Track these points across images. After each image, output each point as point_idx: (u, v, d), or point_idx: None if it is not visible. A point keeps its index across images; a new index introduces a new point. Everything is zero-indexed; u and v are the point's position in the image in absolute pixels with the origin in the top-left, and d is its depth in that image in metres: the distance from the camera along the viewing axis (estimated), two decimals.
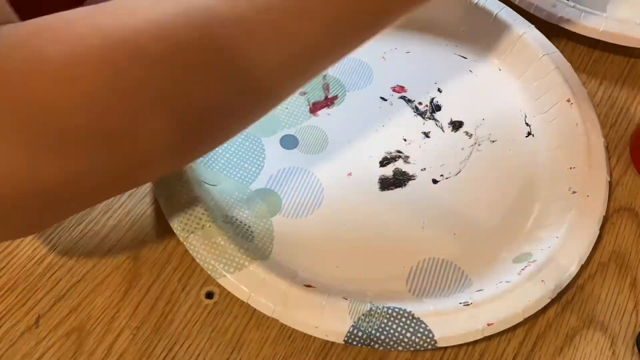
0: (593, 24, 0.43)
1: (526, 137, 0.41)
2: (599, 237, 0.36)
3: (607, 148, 0.39)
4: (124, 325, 0.32)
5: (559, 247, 0.34)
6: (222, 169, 0.37)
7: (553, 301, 0.33)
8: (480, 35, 0.44)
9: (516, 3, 0.45)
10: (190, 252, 0.32)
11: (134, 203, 0.36)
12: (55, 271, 0.34)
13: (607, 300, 0.35)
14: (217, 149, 0.38)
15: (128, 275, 0.34)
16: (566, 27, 0.44)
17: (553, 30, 0.45)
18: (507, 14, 0.43)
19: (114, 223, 0.35)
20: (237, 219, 0.35)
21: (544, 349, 0.33)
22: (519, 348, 0.33)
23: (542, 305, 0.32)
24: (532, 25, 0.43)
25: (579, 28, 0.43)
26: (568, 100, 0.40)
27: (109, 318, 0.32)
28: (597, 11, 0.44)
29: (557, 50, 0.42)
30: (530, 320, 0.34)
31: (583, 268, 0.35)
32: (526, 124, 0.41)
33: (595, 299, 0.35)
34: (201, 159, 0.37)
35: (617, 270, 0.36)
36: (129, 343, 0.32)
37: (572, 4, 0.44)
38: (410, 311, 0.31)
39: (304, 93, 0.41)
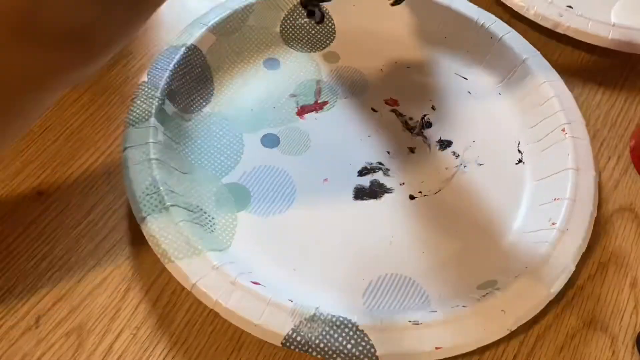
0: (601, 33, 0.43)
1: (516, 164, 0.39)
2: (599, 237, 0.36)
3: (598, 183, 0.37)
4: (124, 325, 0.32)
5: (526, 280, 0.32)
6: (197, 159, 0.37)
7: (553, 301, 0.32)
8: (483, 57, 0.43)
9: (522, 13, 0.44)
10: (144, 234, 0.32)
11: None
12: (55, 271, 0.34)
13: (607, 300, 0.34)
14: (196, 139, 0.38)
15: (128, 275, 0.34)
16: (574, 37, 0.43)
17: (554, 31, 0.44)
18: (512, 38, 0.42)
19: (113, 223, 0.35)
20: (201, 209, 0.35)
21: (544, 349, 0.33)
22: (519, 348, 0.32)
23: (497, 337, 0.30)
24: (538, 52, 0.42)
25: (587, 37, 0.43)
26: (563, 130, 0.38)
27: (109, 318, 0.32)
28: (604, 19, 0.44)
29: (561, 79, 0.40)
30: (530, 320, 0.32)
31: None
32: (518, 151, 0.39)
33: (595, 299, 0.34)
34: (176, 147, 0.37)
35: (617, 270, 0.36)
36: (129, 343, 0.32)
37: (579, 12, 0.43)
38: (355, 322, 0.30)
39: (294, 95, 0.41)
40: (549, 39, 0.45)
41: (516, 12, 0.45)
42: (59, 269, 0.34)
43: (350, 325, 0.30)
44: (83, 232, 0.35)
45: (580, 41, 0.44)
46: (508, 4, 0.45)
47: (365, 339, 0.29)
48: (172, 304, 0.33)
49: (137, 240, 0.35)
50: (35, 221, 0.35)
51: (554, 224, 0.34)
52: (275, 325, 0.29)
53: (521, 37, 0.42)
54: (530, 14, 0.44)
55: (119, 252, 0.34)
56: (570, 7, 0.44)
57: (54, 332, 0.32)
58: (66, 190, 0.36)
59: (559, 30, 0.43)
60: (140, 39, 0.44)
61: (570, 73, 0.41)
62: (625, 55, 0.44)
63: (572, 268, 0.33)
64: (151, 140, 0.35)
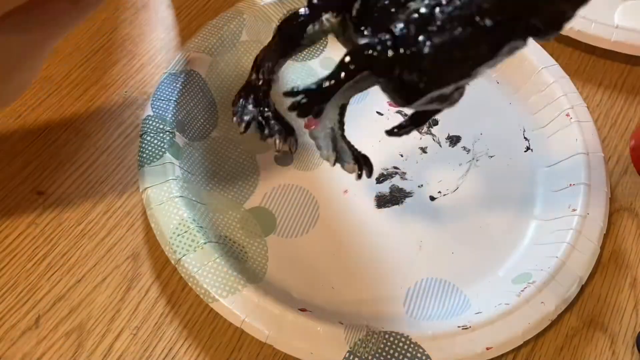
0: (604, 35, 0.43)
1: (525, 151, 0.40)
2: None
3: (607, 164, 0.38)
4: (124, 325, 0.32)
5: (558, 268, 0.33)
6: (215, 187, 0.37)
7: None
8: None
9: None
10: (182, 275, 0.32)
11: (134, 203, 0.36)
12: (55, 271, 0.34)
13: (607, 300, 0.35)
14: (210, 166, 0.37)
15: (128, 275, 0.34)
16: (577, 39, 0.43)
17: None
18: None
19: (114, 223, 0.35)
20: (230, 239, 0.34)
21: (544, 349, 0.33)
22: (519, 348, 0.33)
23: (542, 327, 0.32)
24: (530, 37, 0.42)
25: (590, 39, 0.43)
26: (567, 115, 0.39)
27: (109, 318, 0.32)
28: (607, 21, 0.44)
29: (556, 63, 0.41)
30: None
31: None
32: (525, 138, 0.40)
33: (595, 299, 0.35)
34: (193, 178, 0.36)
35: (617, 270, 0.36)
36: (129, 343, 0.32)
37: (582, 14, 0.43)
38: (408, 335, 0.30)
39: None
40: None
41: None
42: (59, 269, 0.34)
43: (403, 339, 0.30)
44: (83, 232, 0.35)
45: (580, 41, 0.44)
46: None
47: (420, 350, 0.30)
48: (172, 304, 0.33)
49: (137, 240, 0.35)
50: (35, 221, 0.35)
51: (574, 210, 0.35)
52: (332, 350, 0.30)
53: None
54: None
55: (119, 252, 0.34)
56: None
57: (54, 332, 0.32)
58: (66, 190, 0.36)
59: (562, 31, 0.43)
60: (140, 40, 0.43)
61: (570, 73, 0.41)
62: (625, 55, 0.44)
63: (598, 251, 0.34)
64: (170, 178, 0.34)
